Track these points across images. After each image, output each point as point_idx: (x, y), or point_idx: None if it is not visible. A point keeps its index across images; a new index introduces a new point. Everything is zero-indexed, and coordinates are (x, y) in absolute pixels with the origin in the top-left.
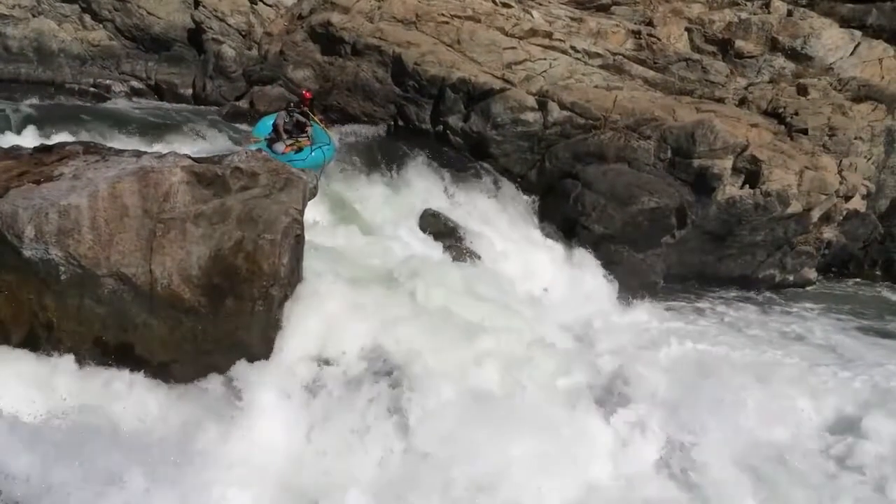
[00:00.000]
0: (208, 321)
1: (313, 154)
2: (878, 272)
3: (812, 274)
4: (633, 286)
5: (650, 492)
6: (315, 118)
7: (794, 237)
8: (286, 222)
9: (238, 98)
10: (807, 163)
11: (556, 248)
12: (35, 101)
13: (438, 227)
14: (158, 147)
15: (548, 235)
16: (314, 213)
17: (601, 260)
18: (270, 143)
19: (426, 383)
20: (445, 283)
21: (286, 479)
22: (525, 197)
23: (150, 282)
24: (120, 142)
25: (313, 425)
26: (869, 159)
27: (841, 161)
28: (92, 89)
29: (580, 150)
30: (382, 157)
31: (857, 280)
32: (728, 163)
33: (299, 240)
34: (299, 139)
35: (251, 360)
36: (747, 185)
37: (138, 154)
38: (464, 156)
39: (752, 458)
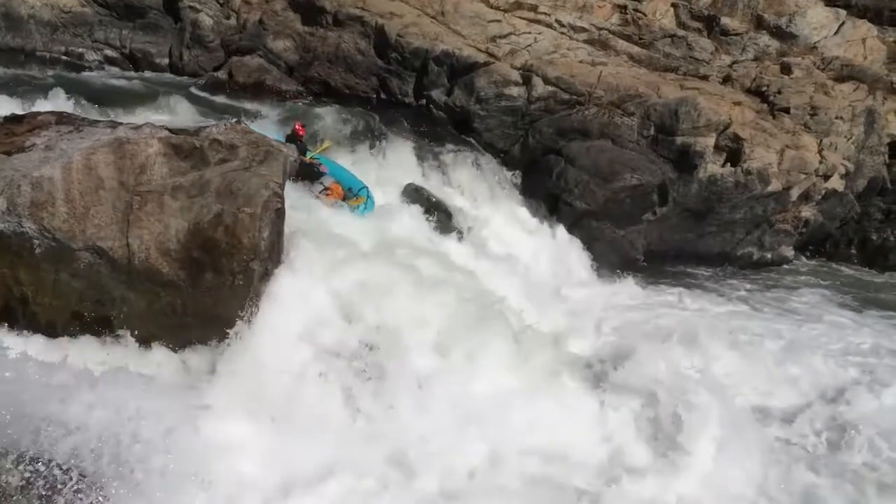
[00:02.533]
0: (187, 295)
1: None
2: (853, 251)
3: (789, 252)
4: (613, 262)
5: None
6: (319, 150)
7: (772, 215)
8: (266, 196)
9: (216, 68)
10: (788, 141)
11: (539, 223)
12: (4, 69)
13: (421, 202)
14: (134, 118)
15: (530, 211)
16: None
17: (583, 236)
18: None
19: (410, 354)
20: (428, 256)
21: (265, 455)
22: (508, 172)
23: (128, 255)
24: (94, 112)
25: (293, 400)
26: (849, 139)
27: (821, 140)
28: (64, 58)
29: (564, 125)
30: (365, 132)
31: (833, 259)
32: (710, 141)
33: (280, 213)
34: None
35: (233, 335)
36: (729, 164)
37: (113, 125)
38: (447, 130)
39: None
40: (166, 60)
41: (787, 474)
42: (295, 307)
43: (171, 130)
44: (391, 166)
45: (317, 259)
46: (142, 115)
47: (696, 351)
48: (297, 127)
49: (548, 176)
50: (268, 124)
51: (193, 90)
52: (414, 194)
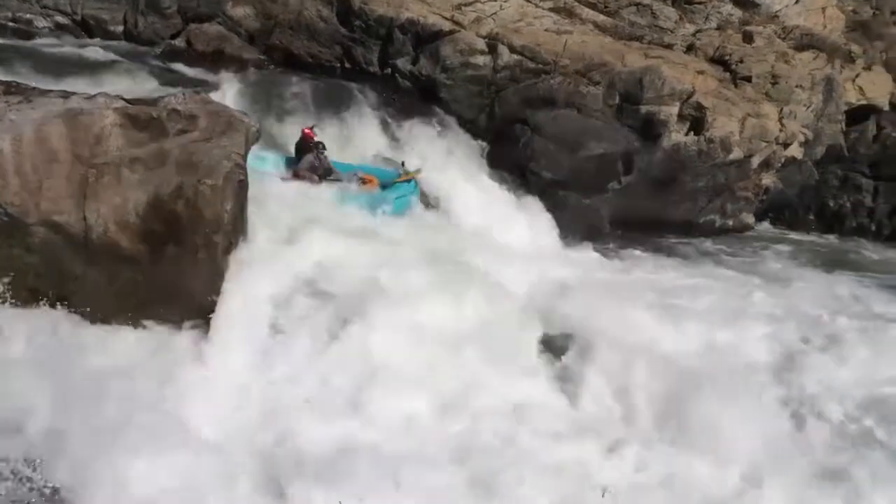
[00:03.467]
0: (149, 270)
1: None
2: (811, 217)
3: (750, 219)
4: (580, 231)
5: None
6: (410, 175)
7: (734, 183)
8: (228, 167)
9: (174, 36)
10: (749, 110)
11: (506, 193)
12: None
13: None
14: (87, 88)
15: (498, 180)
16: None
17: (550, 205)
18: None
19: (378, 318)
20: (395, 225)
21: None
22: (475, 142)
23: (85, 230)
24: (45, 82)
25: (262, 371)
26: (808, 107)
27: (781, 109)
28: (11, 24)
29: (530, 94)
30: (329, 101)
31: (792, 226)
32: (674, 109)
33: (243, 185)
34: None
35: (196, 309)
36: (692, 132)
37: (66, 95)
38: (413, 99)
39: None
40: (121, 28)
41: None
42: (260, 280)
43: (126, 101)
44: (356, 136)
45: (282, 232)
46: (95, 85)
47: (657, 317)
48: (305, 131)
49: (515, 145)
50: (263, 155)
51: (150, 59)
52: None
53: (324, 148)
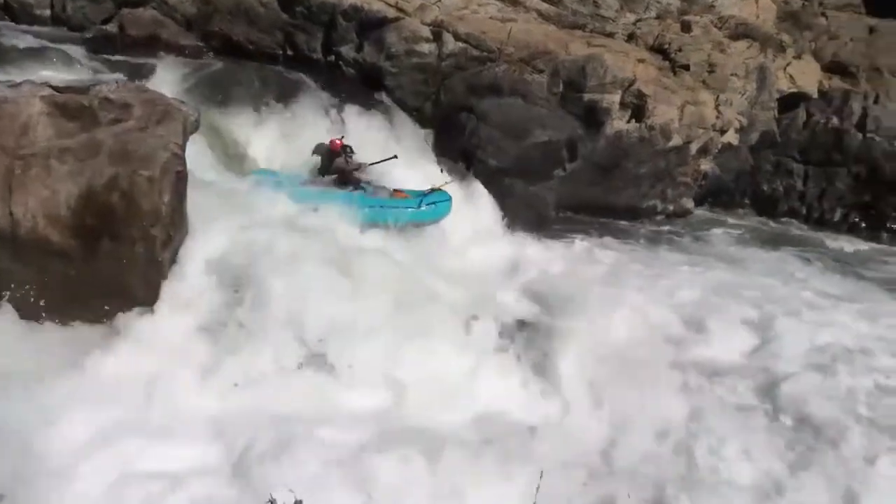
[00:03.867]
0: (82, 266)
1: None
2: (747, 202)
3: (690, 204)
4: (526, 218)
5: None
6: (439, 186)
7: (674, 169)
8: (165, 157)
9: (105, 21)
10: (687, 98)
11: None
12: None
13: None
14: (12, 76)
15: (444, 167)
16: (199, 152)
17: (496, 192)
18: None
19: (317, 314)
20: (341, 219)
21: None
22: (421, 130)
23: (11, 224)
24: None
25: (204, 367)
26: (743, 95)
27: (718, 96)
28: None
29: (475, 82)
30: (271, 90)
31: (729, 210)
32: (616, 97)
33: (181, 177)
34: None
35: (135, 306)
36: (634, 120)
37: None
38: (358, 88)
39: None
40: (48, 12)
41: None
42: (200, 273)
43: (55, 88)
44: (299, 126)
45: (223, 225)
46: (21, 73)
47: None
48: (333, 141)
49: (461, 133)
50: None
51: (79, 45)
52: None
53: (352, 151)
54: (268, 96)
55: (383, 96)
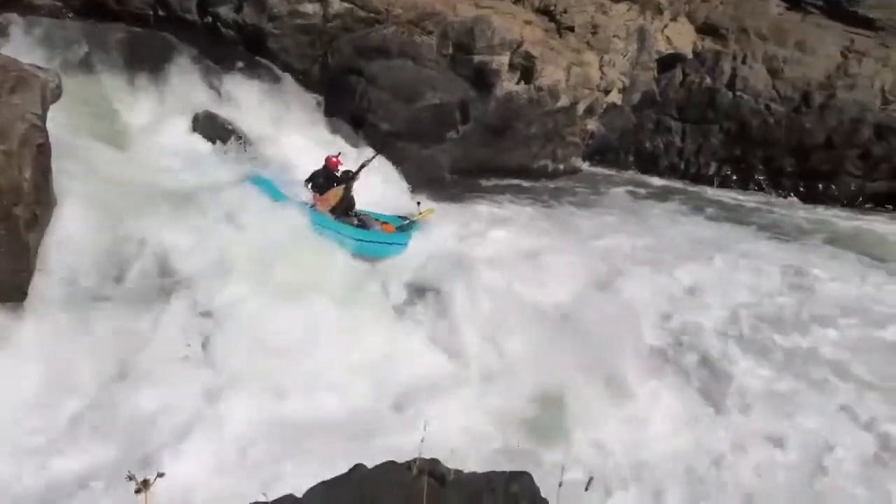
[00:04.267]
0: None
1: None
2: (631, 159)
3: (579, 162)
4: (421, 181)
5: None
6: (421, 215)
7: (563, 129)
8: (23, 129)
9: None
10: (573, 59)
11: (345, 146)
12: None
13: (216, 131)
14: None
15: (336, 132)
16: (64, 121)
17: (390, 156)
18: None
19: (220, 290)
20: (227, 194)
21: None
22: (309, 95)
23: None
24: None
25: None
26: (625, 56)
27: (602, 57)
28: None
29: (363, 44)
30: (142, 55)
31: (615, 167)
32: (505, 59)
33: (43, 150)
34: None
35: (3, 290)
36: (523, 81)
37: None
38: (238, 51)
39: None
40: None
41: None
42: (72, 255)
43: None
44: (177, 94)
45: (94, 201)
46: None
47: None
48: (331, 159)
49: (351, 97)
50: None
51: None
52: (207, 123)
53: (348, 178)
54: (137, 61)
55: (266, 60)
